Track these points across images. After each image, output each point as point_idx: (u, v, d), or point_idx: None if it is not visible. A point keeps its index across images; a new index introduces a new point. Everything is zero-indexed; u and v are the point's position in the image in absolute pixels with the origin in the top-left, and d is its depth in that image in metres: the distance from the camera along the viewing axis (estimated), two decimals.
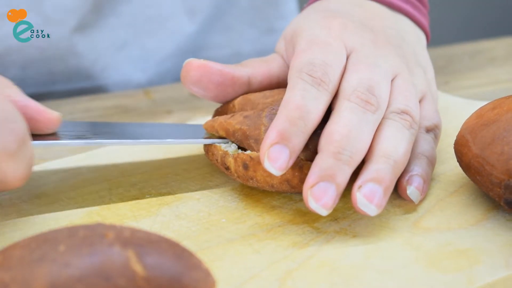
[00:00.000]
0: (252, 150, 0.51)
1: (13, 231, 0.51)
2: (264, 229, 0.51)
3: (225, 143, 0.54)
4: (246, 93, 0.57)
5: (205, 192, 0.55)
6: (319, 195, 0.48)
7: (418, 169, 0.53)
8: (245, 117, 0.53)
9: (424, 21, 0.65)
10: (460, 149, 0.53)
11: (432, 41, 0.67)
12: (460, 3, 2.02)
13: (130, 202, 0.54)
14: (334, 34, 0.56)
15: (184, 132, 0.58)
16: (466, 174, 0.53)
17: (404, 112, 0.53)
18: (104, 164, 0.59)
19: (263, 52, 0.89)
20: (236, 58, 0.88)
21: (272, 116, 0.51)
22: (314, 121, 0.50)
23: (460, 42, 0.91)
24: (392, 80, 0.55)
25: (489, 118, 0.52)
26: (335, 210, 0.53)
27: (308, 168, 0.49)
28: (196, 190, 0.56)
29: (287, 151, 0.48)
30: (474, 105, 0.65)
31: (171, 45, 0.84)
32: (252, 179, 0.51)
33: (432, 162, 0.55)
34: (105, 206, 0.54)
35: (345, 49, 0.55)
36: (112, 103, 0.75)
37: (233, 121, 0.53)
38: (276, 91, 0.55)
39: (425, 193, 0.53)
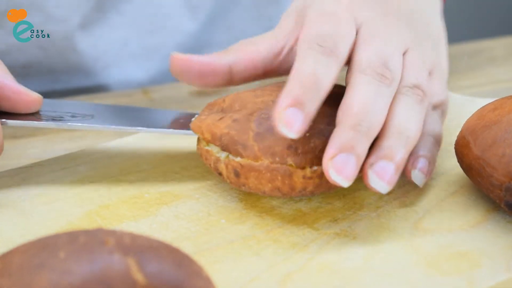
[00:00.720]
0: (240, 156, 0.50)
1: (12, 231, 0.51)
2: (264, 230, 0.51)
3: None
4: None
5: (204, 191, 0.55)
6: (341, 167, 0.47)
7: (423, 150, 0.53)
8: (234, 120, 0.51)
9: None
10: (461, 150, 0.53)
11: None
12: (460, 2, 2.02)
13: (129, 201, 0.54)
14: (344, 7, 0.55)
15: (181, 122, 0.58)
16: (466, 175, 0.53)
17: (416, 86, 0.53)
18: (103, 163, 0.59)
19: (268, 21, 0.89)
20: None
21: (261, 121, 0.51)
22: (326, 89, 0.50)
23: (459, 42, 0.91)
24: (403, 54, 0.55)
25: (490, 119, 0.52)
26: (334, 210, 0.52)
27: (298, 176, 0.49)
28: (195, 189, 0.56)
29: (301, 115, 0.47)
30: (476, 103, 0.65)
31: (173, 44, 0.84)
32: (244, 185, 0.51)
33: (438, 141, 0.55)
34: (103, 205, 0.54)
35: (355, 22, 0.55)
36: (111, 103, 0.74)
37: (221, 125, 0.52)
38: (267, 89, 0.54)
39: (430, 174, 0.53)
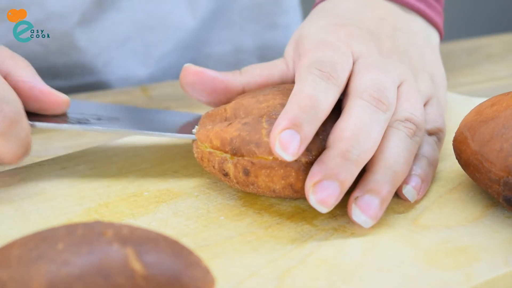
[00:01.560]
0: (252, 155, 0.50)
1: (11, 229, 0.51)
2: (263, 227, 0.51)
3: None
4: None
5: (203, 189, 0.55)
6: (321, 193, 0.48)
7: (416, 169, 0.53)
8: (244, 124, 0.51)
9: (438, 19, 0.64)
10: (459, 146, 0.53)
11: None
12: (458, 0, 2.02)
13: (128, 200, 0.54)
14: (342, 38, 0.56)
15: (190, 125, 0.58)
16: (465, 171, 0.53)
17: (408, 120, 0.53)
18: (102, 161, 0.59)
19: (264, 48, 0.89)
20: (237, 53, 0.88)
21: (272, 121, 0.51)
22: (324, 112, 0.50)
23: (457, 39, 0.91)
24: (398, 87, 0.55)
25: (488, 115, 0.52)
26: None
27: None
28: (194, 187, 0.56)
29: (298, 137, 0.47)
30: (473, 102, 0.65)
31: (172, 40, 0.84)
32: (253, 184, 0.51)
33: (432, 163, 0.55)
34: (103, 203, 0.54)
35: (352, 54, 0.55)
36: (110, 100, 0.75)
37: (231, 129, 0.52)
38: (269, 95, 0.54)
39: (423, 193, 0.53)
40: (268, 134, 0.50)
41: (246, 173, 0.50)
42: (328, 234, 0.50)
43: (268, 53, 0.89)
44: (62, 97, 0.55)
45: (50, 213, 0.53)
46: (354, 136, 0.49)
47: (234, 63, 0.62)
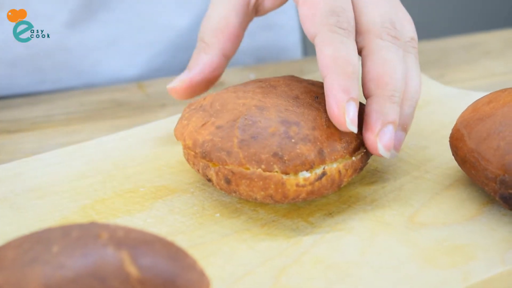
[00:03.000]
0: (222, 163, 0.49)
1: (6, 225, 0.51)
2: (259, 224, 0.51)
3: None
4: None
5: (199, 186, 0.55)
6: (389, 141, 0.51)
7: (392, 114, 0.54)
8: (218, 127, 0.51)
9: None
10: (456, 143, 0.53)
11: (427, 34, 0.67)
12: None
13: (124, 196, 0.54)
14: None
15: None
16: (461, 168, 0.53)
17: (413, 39, 0.56)
18: (98, 157, 0.59)
19: (261, 48, 0.88)
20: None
21: (245, 128, 0.50)
22: (358, 69, 0.51)
23: (455, 35, 0.91)
24: None
25: (485, 112, 0.52)
26: (329, 204, 0.52)
27: (291, 184, 0.48)
28: (190, 183, 0.55)
29: (355, 106, 0.50)
30: (470, 96, 0.65)
31: (164, 40, 0.83)
32: (235, 192, 0.50)
33: (417, 94, 0.57)
34: (98, 199, 0.54)
35: None
36: (106, 97, 0.74)
37: (204, 132, 0.51)
38: (249, 92, 0.53)
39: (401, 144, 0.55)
40: (239, 144, 0.49)
41: (227, 181, 0.50)
42: (324, 232, 0.50)
43: (263, 53, 0.89)
44: None
45: (45, 209, 0.52)
46: (393, 80, 0.52)
47: (228, 64, 0.62)
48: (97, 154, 0.59)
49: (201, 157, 0.51)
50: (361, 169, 0.52)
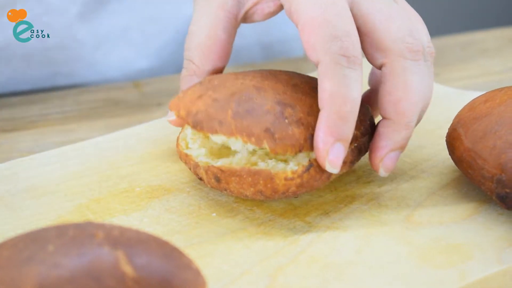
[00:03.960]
0: (213, 132, 0.49)
1: (1, 225, 0.50)
2: (255, 224, 0.50)
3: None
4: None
5: (195, 185, 0.55)
6: (390, 166, 0.51)
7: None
8: (214, 100, 0.50)
9: None
10: (452, 143, 0.53)
11: None
12: None
13: (119, 195, 0.54)
14: None
15: None
16: (458, 167, 0.53)
17: (430, 44, 0.53)
18: (93, 156, 0.59)
19: (266, 41, 0.88)
20: (237, 42, 0.87)
21: (241, 102, 0.49)
22: (358, 106, 0.49)
23: (451, 34, 0.91)
24: None
25: (481, 111, 0.52)
26: (325, 203, 0.52)
27: (280, 178, 0.48)
28: (186, 183, 0.55)
29: (343, 149, 0.48)
30: (466, 96, 0.65)
31: (170, 31, 0.83)
32: (226, 190, 0.50)
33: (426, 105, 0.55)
34: (94, 199, 0.53)
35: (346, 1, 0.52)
36: (102, 96, 0.74)
37: (200, 103, 0.50)
38: (249, 75, 0.53)
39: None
40: (233, 115, 0.49)
41: (217, 180, 0.50)
42: (321, 231, 0.50)
43: (270, 46, 0.89)
44: None
45: (40, 209, 0.52)
46: (412, 106, 0.50)
47: (234, 55, 0.61)
48: (92, 154, 0.59)
49: (193, 126, 0.50)
50: (352, 163, 0.51)
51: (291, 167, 0.49)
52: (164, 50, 0.84)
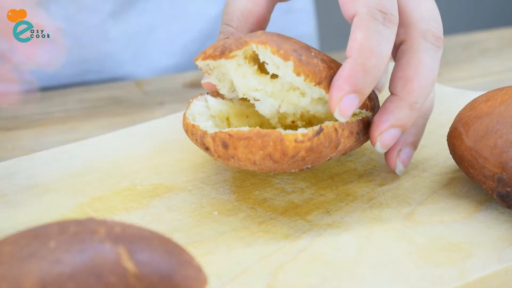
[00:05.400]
0: (244, 44, 0.50)
1: (3, 223, 0.51)
2: (256, 222, 0.51)
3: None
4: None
5: (197, 183, 0.55)
6: (388, 142, 0.51)
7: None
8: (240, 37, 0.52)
9: None
10: (453, 142, 0.53)
11: None
12: None
13: (121, 194, 0.54)
14: None
15: None
16: (459, 166, 0.53)
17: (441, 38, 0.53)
18: (95, 155, 0.59)
19: (282, 32, 0.89)
20: None
21: (270, 33, 0.51)
22: (385, 64, 0.50)
23: (452, 34, 0.91)
24: None
25: (482, 111, 0.52)
26: (327, 202, 0.52)
27: (290, 140, 0.48)
28: (187, 181, 0.55)
29: (357, 101, 0.49)
30: (467, 96, 0.65)
31: (194, 29, 0.84)
32: (233, 157, 0.49)
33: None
34: (96, 197, 0.54)
35: None
36: (105, 95, 0.74)
37: (227, 39, 0.52)
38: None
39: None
40: (265, 33, 0.50)
41: (225, 146, 0.49)
42: (322, 229, 0.50)
43: None
44: None
45: (42, 207, 0.52)
46: (421, 87, 0.51)
47: None
48: (94, 153, 0.59)
49: (221, 52, 0.51)
50: (358, 134, 0.51)
51: (302, 131, 0.49)
52: (188, 49, 0.85)
